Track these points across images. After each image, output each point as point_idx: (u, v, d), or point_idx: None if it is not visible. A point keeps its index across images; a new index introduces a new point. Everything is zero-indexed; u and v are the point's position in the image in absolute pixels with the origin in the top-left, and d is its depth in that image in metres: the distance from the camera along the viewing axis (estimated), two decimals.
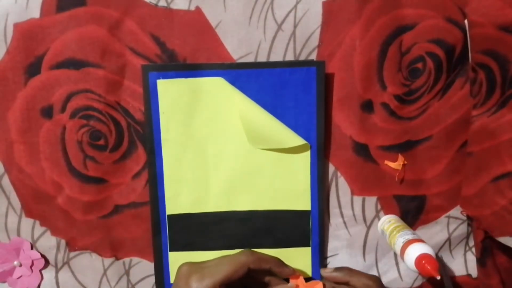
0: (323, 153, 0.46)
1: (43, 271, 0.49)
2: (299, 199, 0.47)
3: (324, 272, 0.45)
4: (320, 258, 0.48)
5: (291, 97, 0.45)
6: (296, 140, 0.45)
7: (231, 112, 0.45)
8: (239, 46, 0.45)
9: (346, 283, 0.43)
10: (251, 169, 0.46)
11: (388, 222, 0.47)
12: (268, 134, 0.45)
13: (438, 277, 0.38)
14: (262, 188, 0.46)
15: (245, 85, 0.45)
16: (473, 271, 0.50)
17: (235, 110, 0.45)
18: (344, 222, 0.49)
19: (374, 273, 0.50)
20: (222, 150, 0.46)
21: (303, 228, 0.47)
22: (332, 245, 0.49)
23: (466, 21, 0.45)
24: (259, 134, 0.45)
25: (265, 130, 0.45)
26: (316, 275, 0.48)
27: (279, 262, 0.43)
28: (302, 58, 0.46)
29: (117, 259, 0.49)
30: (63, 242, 0.48)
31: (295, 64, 0.45)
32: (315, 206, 0.47)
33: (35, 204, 0.47)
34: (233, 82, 0.45)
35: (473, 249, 0.50)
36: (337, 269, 0.44)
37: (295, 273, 0.44)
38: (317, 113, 0.45)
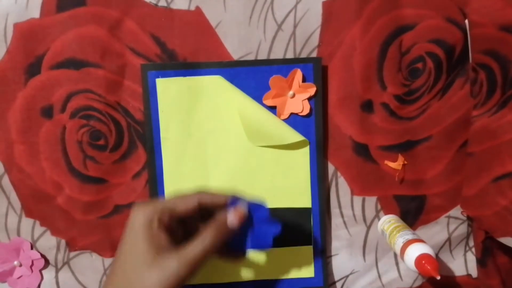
0: (322, 149, 0.46)
1: (43, 271, 0.48)
2: (299, 196, 0.46)
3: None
4: (322, 256, 0.48)
5: None
6: (295, 136, 0.45)
7: (230, 110, 0.45)
8: (239, 46, 0.45)
9: None
10: (251, 167, 0.46)
11: (388, 222, 0.47)
12: (267, 131, 0.45)
13: (438, 277, 0.38)
14: (262, 186, 0.46)
15: (243, 83, 0.45)
16: (473, 271, 0.50)
17: (234, 107, 0.45)
18: (344, 222, 0.49)
19: (374, 273, 0.50)
20: (222, 148, 0.46)
21: (304, 226, 0.47)
22: (332, 245, 0.49)
23: (466, 21, 0.45)
24: (258, 131, 0.45)
25: (264, 127, 0.45)
26: (319, 274, 0.48)
27: (228, 194, 0.38)
28: None
29: None
30: (63, 242, 0.48)
31: (293, 61, 0.45)
32: (315, 203, 0.47)
33: (35, 204, 0.47)
34: (232, 80, 0.45)
35: (473, 249, 0.50)
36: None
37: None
38: (315, 109, 0.45)
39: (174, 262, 0.33)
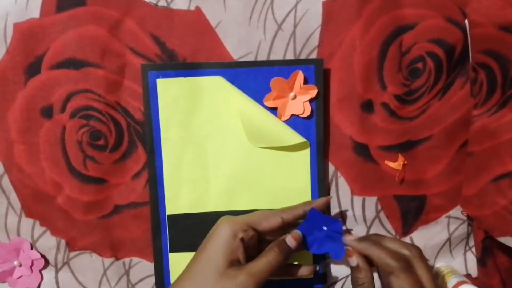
0: (323, 151, 0.46)
1: (43, 271, 0.49)
2: (299, 198, 0.46)
3: (346, 240, 0.42)
4: (322, 257, 0.48)
5: None
6: (296, 138, 0.45)
7: (231, 111, 0.45)
8: (239, 46, 0.45)
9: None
10: (251, 168, 0.46)
11: (445, 267, 0.49)
12: (267, 133, 0.45)
13: None
14: (262, 187, 0.46)
15: (244, 84, 0.45)
16: (473, 270, 0.50)
17: (235, 108, 0.45)
18: (344, 223, 0.49)
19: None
20: (222, 149, 0.46)
21: None
22: None
23: (466, 21, 0.45)
24: (258, 132, 0.45)
25: (264, 129, 0.45)
26: (319, 275, 0.48)
27: (309, 202, 0.43)
28: (302, 58, 0.46)
29: (117, 259, 0.49)
30: (63, 242, 0.48)
31: (294, 62, 0.45)
32: None
33: (35, 204, 0.47)
34: (232, 80, 0.45)
35: (473, 249, 0.50)
36: (361, 239, 0.41)
37: (328, 198, 0.45)
38: (316, 111, 0.45)
39: (243, 276, 0.37)
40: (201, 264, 0.38)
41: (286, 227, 0.42)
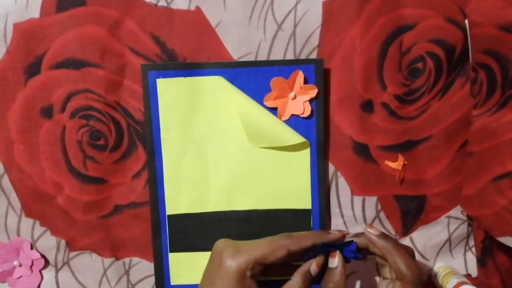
0: (323, 151, 0.46)
1: (43, 271, 0.49)
2: (299, 198, 0.47)
3: (367, 232, 0.40)
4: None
5: None
6: (296, 138, 0.45)
7: (231, 111, 0.45)
8: (239, 46, 0.45)
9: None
10: (251, 168, 0.46)
11: (444, 267, 0.50)
12: (267, 133, 0.45)
13: None
14: (262, 187, 0.46)
15: (244, 84, 0.45)
16: (473, 270, 0.50)
17: (235, 108, 0.45)
18: (344, 222, 0.49)
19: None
20: (222, 149, 0.46)
21: (304, 227, 0.47)
22: None
23: (466, 21, 0.45)
24: (258, 132, 0.45)
25: (264, 129, 0.45)
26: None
27: (320, 234, 0.40)
28: (302, 58, 0.46)
29: (117, 259, 0.49)
30: (63, 242, 0.48)
31: (294, 62, 0.45)
32: (315, 204, 0.47)
33: (35, 204, 0.47)
34: (232, 80, 0.45)
35: (473, 249, 0.50)
36: (382, 236, 0.40)
37: (343, 233, 0.42)
38: (316, 111, 0.45)
39: None
40: None
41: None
